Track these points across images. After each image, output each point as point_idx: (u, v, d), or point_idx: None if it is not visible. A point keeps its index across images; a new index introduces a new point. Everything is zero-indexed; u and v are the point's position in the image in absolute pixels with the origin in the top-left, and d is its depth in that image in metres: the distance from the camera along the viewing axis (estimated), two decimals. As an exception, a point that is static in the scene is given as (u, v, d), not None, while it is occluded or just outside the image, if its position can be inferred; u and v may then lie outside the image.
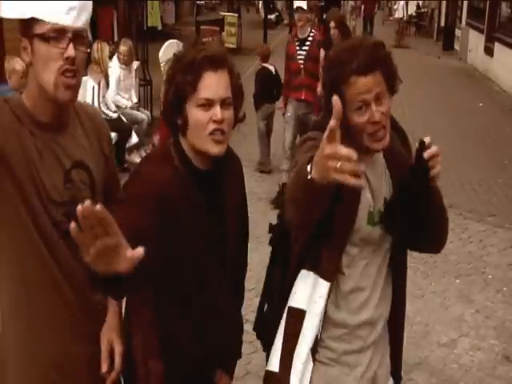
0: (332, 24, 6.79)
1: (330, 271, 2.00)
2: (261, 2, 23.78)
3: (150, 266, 1.50)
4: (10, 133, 1.73)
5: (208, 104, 1.84)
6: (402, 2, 21.62)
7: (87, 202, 1.25)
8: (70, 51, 1.68)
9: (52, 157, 1.81)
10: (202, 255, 1.93)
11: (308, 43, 6.76)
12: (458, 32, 19.08)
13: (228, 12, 16.84)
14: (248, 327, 2.23)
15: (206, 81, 1.83)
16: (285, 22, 23.93)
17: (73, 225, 1.26)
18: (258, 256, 2.83)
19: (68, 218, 1.79)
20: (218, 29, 10.40)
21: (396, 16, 21.55)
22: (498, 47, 14.24)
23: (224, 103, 1.85)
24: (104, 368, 1.91)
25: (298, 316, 2.04)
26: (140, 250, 1.35)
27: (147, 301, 1.90)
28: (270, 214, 5.65)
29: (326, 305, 2.01)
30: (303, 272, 2.02)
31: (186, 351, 1.95)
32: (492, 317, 4.61)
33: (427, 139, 1.84)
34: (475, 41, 16.48)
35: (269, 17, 19.36)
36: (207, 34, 9.76)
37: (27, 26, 1.72)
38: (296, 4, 7.01)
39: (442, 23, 21.27)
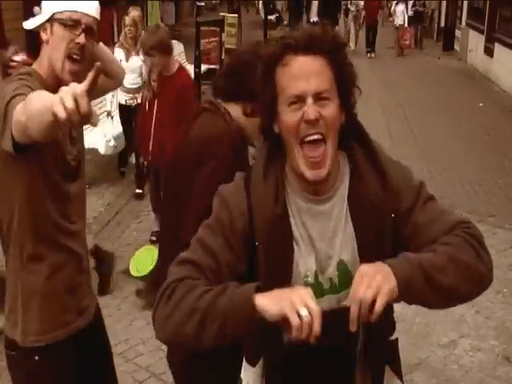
0: None
1: (255, 356, 1.63)
2: (261, 2, 23.78)
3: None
4: None
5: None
6: (401, 7, 18.72)
7: None
8: (81, 38, 1.99)
9: None
10: None
11: None
12: (457, 32, 19.06)
13: (228, 13, 16.83)
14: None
15: None
16: (285, 22, 23.94)
17: None
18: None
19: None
20: (218, 29, 10.39)
21: (395, 23, 18.74)
22: (498, 48, 14.25)
23: None
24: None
25: None
26: None
27: None
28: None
29: None
30: None
31: None
32: (492, 317, 4.61)
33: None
34: (475, 41, 16.49)
35: (269, 17, 19.36)
36: (207, 35, 9.75)
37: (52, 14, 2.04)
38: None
39: (442, 23, 21.26)
